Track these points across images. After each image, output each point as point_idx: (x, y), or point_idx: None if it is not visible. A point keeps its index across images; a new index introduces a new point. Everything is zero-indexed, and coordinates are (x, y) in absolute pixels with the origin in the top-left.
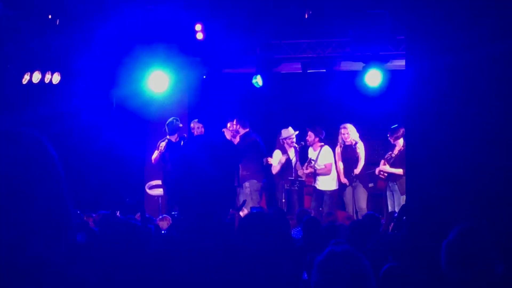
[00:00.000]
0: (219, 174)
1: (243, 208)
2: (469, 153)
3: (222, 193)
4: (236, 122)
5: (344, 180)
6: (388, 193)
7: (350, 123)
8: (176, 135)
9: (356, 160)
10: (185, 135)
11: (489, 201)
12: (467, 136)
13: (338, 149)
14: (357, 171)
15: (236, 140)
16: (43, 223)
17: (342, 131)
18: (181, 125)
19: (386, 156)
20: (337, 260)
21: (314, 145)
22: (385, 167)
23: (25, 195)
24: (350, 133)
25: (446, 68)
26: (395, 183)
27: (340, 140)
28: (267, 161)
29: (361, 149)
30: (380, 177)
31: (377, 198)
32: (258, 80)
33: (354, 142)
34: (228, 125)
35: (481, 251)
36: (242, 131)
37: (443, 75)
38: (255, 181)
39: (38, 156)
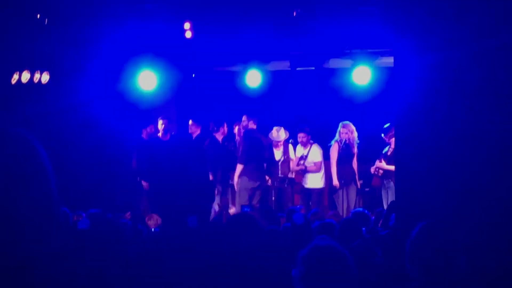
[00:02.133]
0: (187, 171)
1: (231, 206)
2: (458, 150)
3: (195, 189)
4: (247, 118)
5: (336, 182)
6: (383, 191)
7: (345, 121)
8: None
9: (350, 161)
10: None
11: (477, 199)
12: (456, 133)
13: (335, 147)
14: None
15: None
16: (31, 223)
17: (342, 130)
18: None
19: (383, 152)
20: (321, 254)
21: (304, 143)
22: (381, 164)
23: (13, 194)
24: (350, 131)
25: (434, 65)
26: (390, 180)
27: (338, 138)
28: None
29: (355, 150)
30: (376, 174)
31: (368, 196)
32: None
33: (352, 143)
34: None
35: (442, 247)
36: (251, 127)
37: (432, 72)
38: (246, 178)
39: (25, 156)
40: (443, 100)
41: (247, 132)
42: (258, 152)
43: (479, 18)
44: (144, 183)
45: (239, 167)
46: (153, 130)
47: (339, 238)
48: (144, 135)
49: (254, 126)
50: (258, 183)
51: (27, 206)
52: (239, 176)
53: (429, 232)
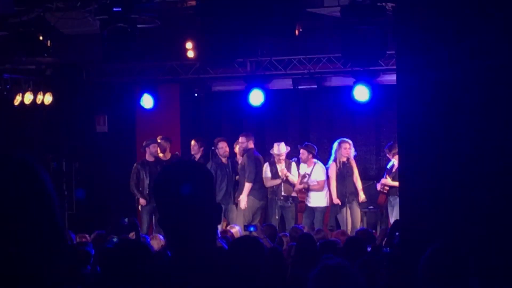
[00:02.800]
0: (197, 195)
1: (234, 226)
2: (461, 167)
3: (204, 213)
4: (245, 138)
5: (336, 200)
6: (389, 208)
7: (343, 139)
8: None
9: (351, 178)
10: (177, 153)
11: (482, 215)
12: (459, 150)
13: (334, 166)
14: (361, 196)
15: (239, 157)
16: (35, 245)
17: (345, 145)
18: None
19: (388, 167)
20: (331, 273)
21: (308, 162)
22: (387, 181)
23: (16, 218)
24: (348, 148)
25: (436, 82)
26: (396, 196)
27: (338, 156)
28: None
29: (355, 166)
30: (382, 191)
31: (373, 214)
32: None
33: (351, 158)
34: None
35: (456, 267)
36: (250, 147)
37: (433, 90)
38: (252, 197)
39: (28, 180)
40: (445, 117)
41: (251, 151)
42: (261, 171)
43: (479, 36)
44: (141, 200)
45: (248, 186)
46: (156, 149)
47: (344, 256)
48: (146, 155)
49: (252, 145)
50: (262, 202)
51: (31, 229)
52: (248, 195)
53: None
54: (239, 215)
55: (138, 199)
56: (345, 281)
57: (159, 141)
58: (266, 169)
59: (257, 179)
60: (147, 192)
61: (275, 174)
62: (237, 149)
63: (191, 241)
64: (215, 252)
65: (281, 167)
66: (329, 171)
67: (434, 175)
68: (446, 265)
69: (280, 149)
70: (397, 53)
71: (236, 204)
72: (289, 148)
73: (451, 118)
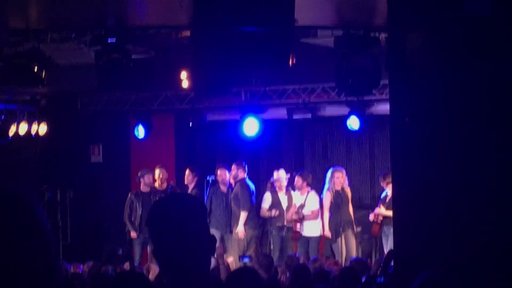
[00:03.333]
0: (191, 228)
1: (229, 255)
2: (456, 197)
3: (199, 245)
4: (237, 167)
5: (328, 232)
6: (383, 238)
7: (336, 167)
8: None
9: (345, 207)
10: (171, 183)
11: (478, 248)
12: (453, 180)
13: (328, 195)
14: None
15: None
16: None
17: (337, 174)
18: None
19: (382, 197)
20: None
21: (302, 190)
22: (381, 211)
23: (11, 254)
24: (341, 177)
25: (429, 112)
26: (390, 226)
27: (332, 186)
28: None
29: (349, 195)
30: (375, 221)
31: (368, 244)
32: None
33: (345, 188)
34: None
35: None
36: (241, 176)
37: (427, 119)
38: (247, 227)
39: (23, 215)
40: (439, 147)
41: (243, 180)
42: (253, 201)
43: (472, 67)
44: (132, 233)
45: (244, 215)
46: (151, 180)
47: (338, 286)
48: (141, 186)
49: (244, 175)
50: (256, 230)
51: (26, 265)
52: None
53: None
54: (234, 244)
55: (129, 231)
56: None
57: (157, 170)
58: (267, 199)
59: (251, 208)
60: (139, 222)
61: (277, 203)
62: (231, 179)
63: (185, 273)
64: (210, 283)
65: (282, 195)
66: (324, 200)
67: (428, 205)
68: None
69: (280, 174)
70: (390, 83)
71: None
72: (289, 175)
73: (444, 147)
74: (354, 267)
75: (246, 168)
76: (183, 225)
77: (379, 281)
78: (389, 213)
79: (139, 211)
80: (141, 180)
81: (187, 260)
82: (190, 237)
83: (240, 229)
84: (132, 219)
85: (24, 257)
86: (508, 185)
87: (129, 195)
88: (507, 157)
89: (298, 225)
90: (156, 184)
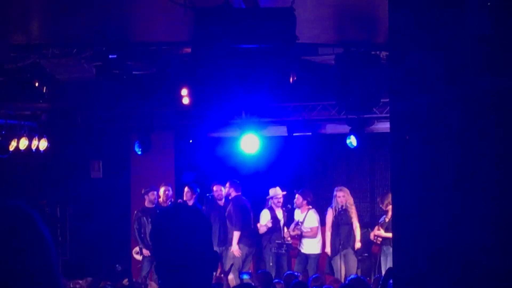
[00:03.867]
0: (194, 241)
1: (230, 272)
2: (456, 217)
3: (203, 260)
4: (229, 185)
5: (328, 249)
6: (382, 257)
7: (340, 187)
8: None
9: (348, 226)
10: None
11: (478, 268)
12: (453, 199)
13: (330, 213)
14: (357, 244)
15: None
16: None
17: (339, 193)
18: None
19: (380, 221)
20: None
21: (302, 208)
22: (380, 232)
23: (13, 266)
24: (346, 195)
25: (429, 131)
26: (389, 246)
27: (335, 204)
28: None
29: (354, 214)
30: (375, 242)
31: (367, 262)
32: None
33: (349, 207)
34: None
35: None
36: (234, 194)
37: (427, 138)
38: (242, 244)
39: (25, 228)
40: (439, 165)
41: (236, 198)
42: (248, 218)
43: (474, 83)
44: (144, 251)
45: (236, 234)
46: (155, 196)
47: None
48: (146, 202)
49: (237, 193)
50: (252, 248)
51: (28, 278)
52: (238, 243)
53: None
54: (229, 262)
55: (141, 249)
56: None
57: (163, 187)
58: (264, 216)
59: (245, 226)
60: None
61: (275, 219)
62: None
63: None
64: None
65: (279, 212)
66: (326, 217)
67: (427, 224)
68: None
69: (276, 191)
70: (390, 101)
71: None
72: (285, 192)
73: (445, 166)
74: (351, 286)
75: (240, 186)
76: (187, 237)
77: None
78: (388, 234)
79: (149, 227)
80: (146, 197)
81: (188, 275)
82: (193, 250)
83: (234, 248)
84: (142, 235)
85: (27, 269)
86: (510, 205)
87: (136, 212)
88: (509, 177)
89: (297, 242)
90: (160, 200)
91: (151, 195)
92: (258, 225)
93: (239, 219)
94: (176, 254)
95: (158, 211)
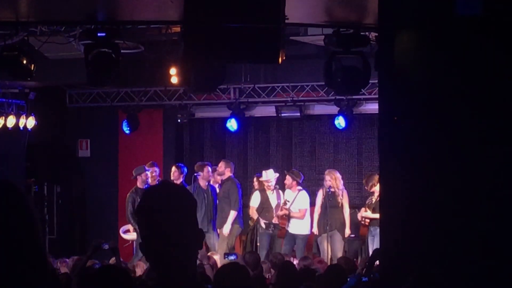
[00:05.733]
0: (180, 219)
1: (215, 253)
2: (443, 197)
3: (187, 238)
4: (224, 165)
5: (315, 229)
6: (369, 238)
7: (331, 169)
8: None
9: (337, 208)
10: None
11: (462, 247)
12: (441, 179)
13: (320, 194)
14: (347, 231)
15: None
16: (17, 269)
17: (326, 177)
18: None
19: (367, 202)
20: None
21: (292, 188)
22: (367, 214)
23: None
24: (333, 179)
25: (418, 111)
26: (377, 227)
27: (325, 185)
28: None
29: (345, 199)
30: (363, 223)
31: (355, 244)
32: (232, 124)
33: (337, 190)
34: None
35: None
36: (228, 174)
37: (416, 118)
38: (236, 225)
39: (12, 204)
40: (427, 146)
41: (232, 179)
42: (240, 198)
43: (463, 65)
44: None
45: (233, 214)
46: (148, 177)
47: (325, 285)
48: (138, 183)
49: (231, 173)
50: (242, 228)
51: (13, 253)
52: (232, 223)
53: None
54: (223, 242)
55: (135, 229)
56: None
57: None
58: (255, 198)
59: (240, 206)
60: None
61: (265, 202)
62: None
63: (172, 266)
64: (198, 277)
65: (273, 195)
66: (317, 197)
67: (414, 204)
68: None
69: (268, 175)
70: (379, 82)
71: (216, 231)
72: (277, 175)
73: (432, 147)
74: (340, 266)
75: (233, 167)
76: (171, 214)
77: (364, 280)
78: (376, 216)
79: None
80: (138, 177)
81: (173, 252)
82: (177, 227)
83: (228, 227)
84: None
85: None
86: (496, 184)
87: (129, 194)
88: (495, 156)
89: (285, 222)
90: (149, 181)
91: (144, 176)
92: (251, 209)
93: (237, 200)
94: (160, 231)
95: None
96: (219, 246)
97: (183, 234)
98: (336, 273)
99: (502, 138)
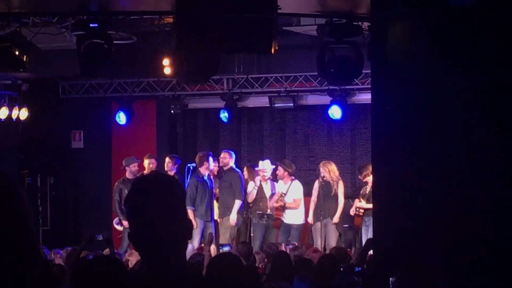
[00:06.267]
0: (169, 210)
1: (211, 243)
2: (435, 187)
3: (176, 228)
4: (229, 155)
5: (310, 219)
6: (363, 228)
7: (326, 160)
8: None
9: (331, 198)
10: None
11: (455, 235)
12: (433, 170)
13: (316, 184)
14: (336, 219)
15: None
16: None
17: (321, 168)
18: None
19: (361, 192)
20: None
21: (284, 179)
22: (361, 204)
23: None
24: (327, 171)
25: (411, 101)
26: (371, 217)
27: (320, 175)
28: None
29: (340, 189)
30: (357, 213)
31: (349, 234)
32: (225, 115)
33: (332, 181)
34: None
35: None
36: (231, 164)
37: (408, 108)
38: (238, 215)
39: (3, 193)
40: (419, 136)
41: (235, 169)
42: (241, 188)
43: (454, 55)
44: (125, 223)
45: (238, 204)
46: (136, 168)
47: (317, 274)
48: (127, 173)
49: (232, 163)
50: (241, 219)
51: (5, 244)
52: (227, 214)
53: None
54: (226, 231)
55: (121, 220)
56: None
57: (147, 160)
58: (250, 188)
59: (231, 197)
60: None
61: (259, 192)
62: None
63: (161, 257)
64: (187, 267)
65: (267, 186)
66: (313, 188)
67: (407, 194)
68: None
69: (264, 164)
70: (372, 72)
71: (216, 221)
72: (274, 167)
73: (424, 137)
74: (333, 256)
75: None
76: (160, 204)
77: (357, 270)
78: (370, 206)
79: None
80: (127, 168)
81: (161, 243)
82: (166, 217)
83: (233, 217)
84: (123, 207)
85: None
86: (488, 172)
87: (117, 184)
88: (487, 145)
89: (280, 213)
90: (145, 172)
91: (133, 167)
92: (250, 196)
93: (242, 190)
94: (149, 222)
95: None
96: (223, 236)
97: (172, 224)
98: (328, 263)
99: (494, 126)
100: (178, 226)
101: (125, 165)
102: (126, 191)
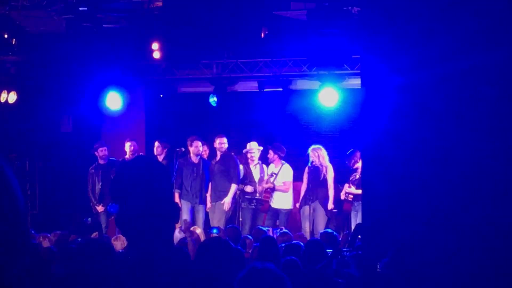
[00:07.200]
0: (155, 193)
1: (196, 227)
2: (424, 173)
3: (162, 211)
4: (226, 140)
5: (298, 203)
6: (353, 213)
7: (315, 145)
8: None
9: (319, 182)
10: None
11: (442, 220)
12: (422, 155)
13: (306, 170)
14: (330, 205)
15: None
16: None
17: (311, 153)
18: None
19: (351, 178)
20: (257, 276)
21: (275, 162)
22: (351, 189)
23: None
24: (316, 156)
25: (401, 86)
26: (360, 202)
27: (310, 160)
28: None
29: (329, 174)
30: (347, 199)
31: (338, 218)
32: (215, 99)
33: (321, 165)
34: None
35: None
36: (225, 148)
37: (398, 93)
38: (233, 199)
39: None
40: (409, 121)
41: (231, 153)
42: (238, 174)
43: (442, 40)
44: (98, 208)
45: (234, 188)
46: (105, 153)
47: (305, 259)
48: (98, 159)
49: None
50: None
51: None
52: (221, 199)
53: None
54: (222, 216)
55: (94, 205)
56: (270, 285)
57: (128, 143)
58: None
59: (227, 182)
60: (99, 195)
61: (249, 175)
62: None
63: (148, 240)
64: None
65: (256, 170)
66: (304, 174)
67: (396, 180)
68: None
69: (251, 145)
70: (362, 57)
71: (205, 205)
72: (261, 148)
73: (414, 122)
74: (319, 241)
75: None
76: (146, 188)
77: (345, 254)
78: (359, 191)
79: (98, 186)
80: (96, 153)
81: (148, 226)
82: (152, 201)
83: (228, 200)
84: (93, 193)
85: None
86: (476, 158)
87: (89, 169)
88: (474, 130)
89: (269, 196)
90: (127, 156)
91: (100, 152)
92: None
93: (238, 174)
94: (135, 205)
95: (115, 170)
96: (217, 220)
97: (158, 208)
98: (315, 248)
99: (481, 114)
100: (164, 209)
101: (93, 150)
102: (96, 179)
